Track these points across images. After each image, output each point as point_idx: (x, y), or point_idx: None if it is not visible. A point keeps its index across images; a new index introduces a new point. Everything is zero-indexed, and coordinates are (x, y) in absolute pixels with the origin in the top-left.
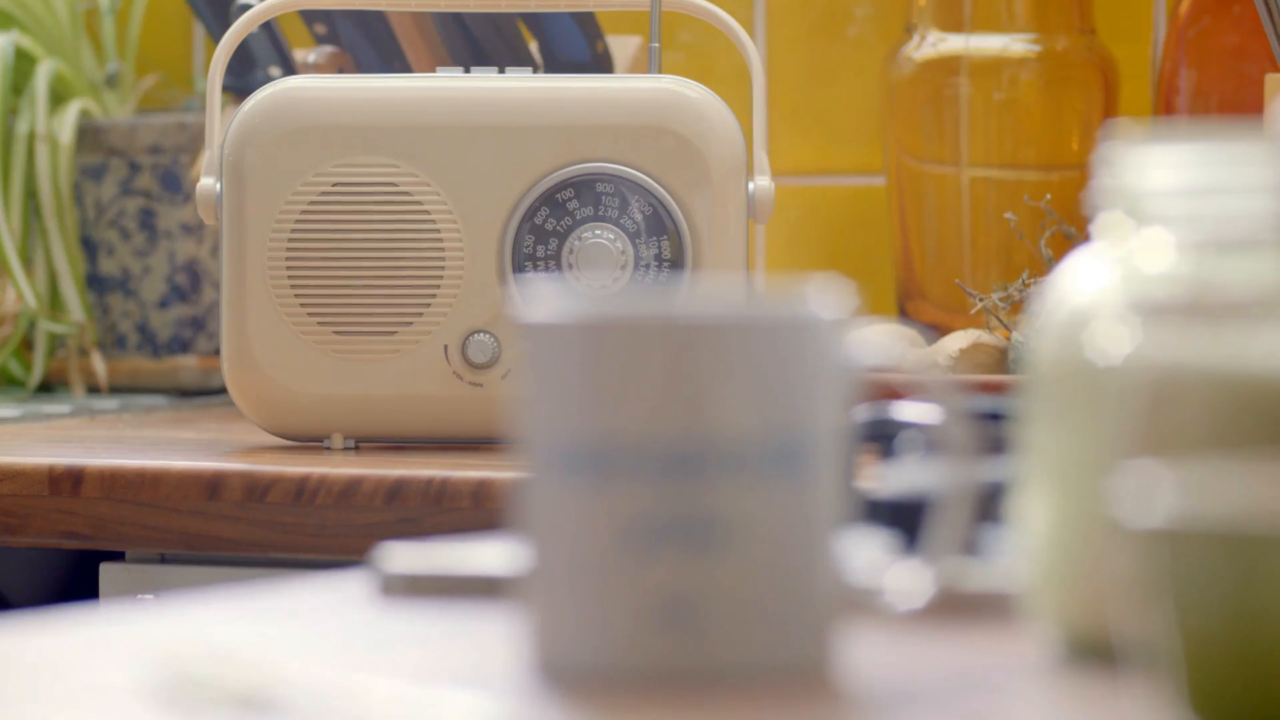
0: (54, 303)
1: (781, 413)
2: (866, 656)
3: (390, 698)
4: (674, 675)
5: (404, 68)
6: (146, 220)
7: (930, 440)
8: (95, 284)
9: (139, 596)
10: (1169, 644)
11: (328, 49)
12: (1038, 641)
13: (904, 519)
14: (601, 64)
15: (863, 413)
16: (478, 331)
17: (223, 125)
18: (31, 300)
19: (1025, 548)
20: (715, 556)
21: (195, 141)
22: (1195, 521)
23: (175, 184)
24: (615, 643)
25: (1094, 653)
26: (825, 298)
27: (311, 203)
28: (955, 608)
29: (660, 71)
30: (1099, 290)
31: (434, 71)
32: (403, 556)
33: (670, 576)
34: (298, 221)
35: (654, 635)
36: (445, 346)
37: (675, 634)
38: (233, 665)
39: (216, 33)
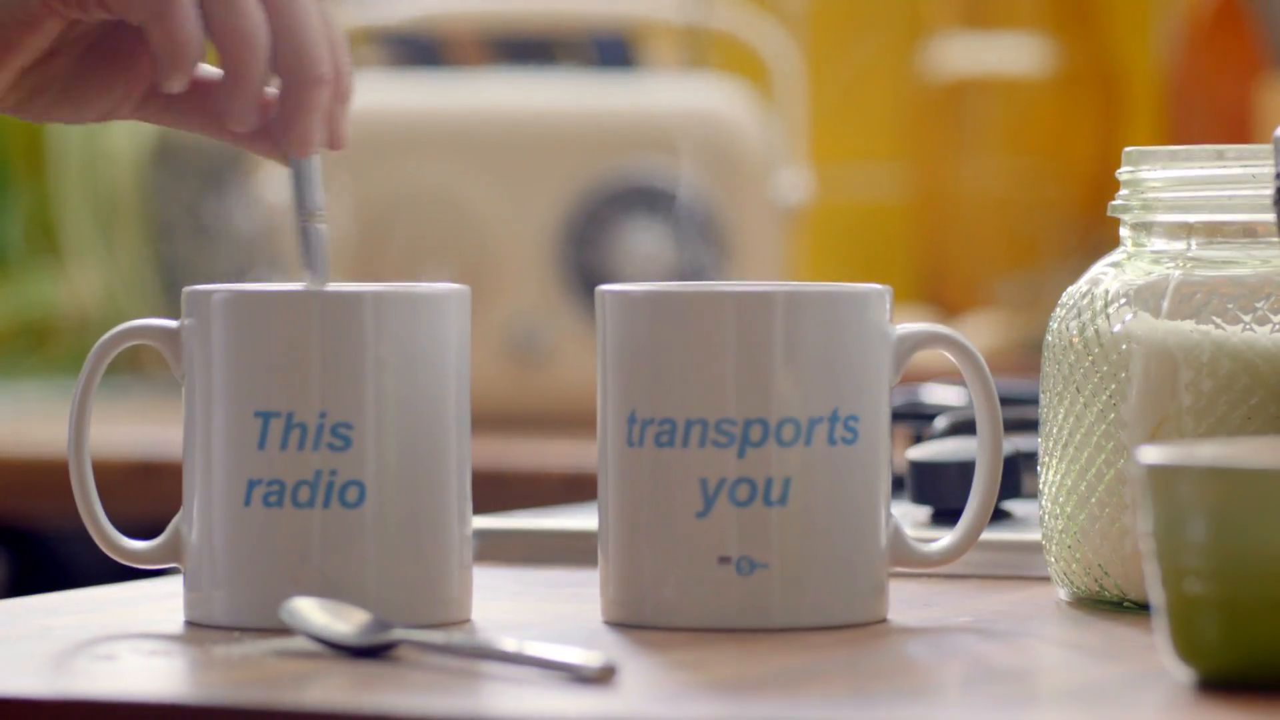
0: (127, 296)
1: (839, 388)
2: (909, 598)
3: (492, 635)
4: (743, 615)
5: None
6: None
7: (960, 417)
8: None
9: None
10: (1162, 586)
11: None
12: (1054, 587)
13: (939, 485)
14: (643, 76)
15: (901, 393)
16: (529, 324)
17: None
18: (105, 293)
19: (1043, 508)
20: (779, 513)
21: None
22: (1186, 458)
23: (240, 187)
24: (690, 591)
25: (1102, 598)
26: (875, 289)
27: (371, 204)
28: (984, 558)
29: (699, 83)
30: (1110, 278)
31: (484, 80)
32: (483, 523)
33: (739, 532)
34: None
35: (725, 582)
36: (498, 338)
37: (744, 581)
38: (340, 610)
39: None
